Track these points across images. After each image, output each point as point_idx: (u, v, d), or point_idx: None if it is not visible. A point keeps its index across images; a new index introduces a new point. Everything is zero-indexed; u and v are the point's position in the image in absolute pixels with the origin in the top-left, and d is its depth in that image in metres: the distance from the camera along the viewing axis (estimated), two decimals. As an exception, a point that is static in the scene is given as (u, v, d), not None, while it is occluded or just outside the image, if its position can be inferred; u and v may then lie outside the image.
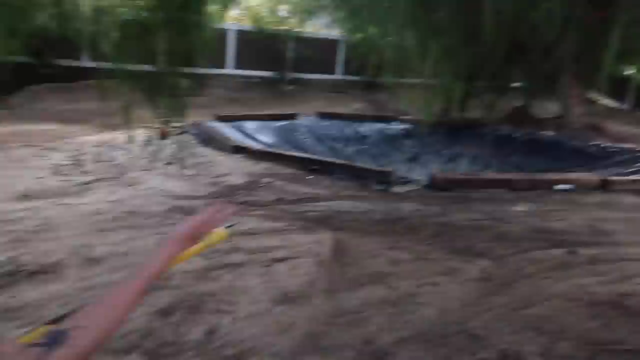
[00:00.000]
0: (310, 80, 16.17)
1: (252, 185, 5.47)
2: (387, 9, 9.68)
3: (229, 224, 1.73)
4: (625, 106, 18.30)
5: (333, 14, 11.81)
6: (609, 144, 10.13)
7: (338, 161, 6.63)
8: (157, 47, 12.61)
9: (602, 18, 10.77)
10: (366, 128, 11.37)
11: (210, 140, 7.41)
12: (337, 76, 17.22)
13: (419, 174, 10.66)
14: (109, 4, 11.07)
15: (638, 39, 11.43)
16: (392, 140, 11.29)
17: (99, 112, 10.18)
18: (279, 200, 4.99)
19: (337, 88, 16.25)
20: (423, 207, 5.08)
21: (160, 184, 5.35)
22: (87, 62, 12.35)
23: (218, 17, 14.81)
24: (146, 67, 13.10)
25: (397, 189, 5.65)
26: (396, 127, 11.62)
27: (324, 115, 11.27)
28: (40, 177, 5.33)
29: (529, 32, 11.05)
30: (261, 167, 6.18)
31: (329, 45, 16.46)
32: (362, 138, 11.06)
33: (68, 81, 12.23)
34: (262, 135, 9.53)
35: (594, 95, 15.50)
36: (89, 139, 7.77)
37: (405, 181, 5.92)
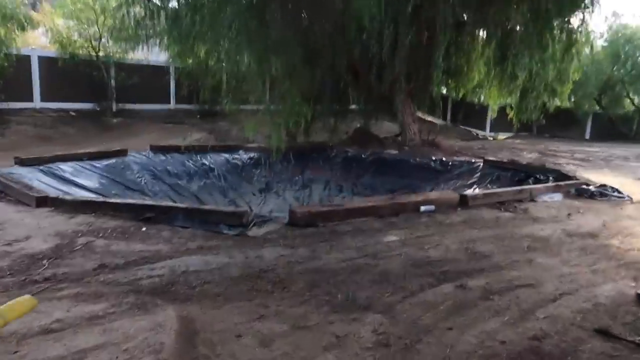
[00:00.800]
0: (139, 111, 14.54)
1: (62, 250, 4.06)
2: (219, 28, 8.84)
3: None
4: (447, 122, 20.15)
5: (159, 38, 10.62)
6: (446, 158, 10.59)
7: (178, 205, 5.47)
8: None
9: (427, 40, 11.42)
10: (210, 160, 10.29)
11: (5, 191, 5.65)
12: (171, 105, 15.84)
13: (275, 206, 10.01)
14: None
15: (457, 58, 12.44)
16: (240, 170, 10.40)
17: None
18: (101, 268, 3.71)
19: (172, 118, 14.88)
20: (288, 252, 4.24)
21: None
22: None
23: (9, 41, 12.46)
24: None
25: (254, 231, 4.74)
26: (242, 156, 10.76)
27: (160, 149, 9.91)
28: None
29: (361, 54, 11.25)
30: (77, 222, 4.75)
31: (158, 72, 15.05)
32: (206, 171, 9.96)
33: None
34: (83, 178, 7.88)
35: (422, 114, 16.66)
36: None
37: (262, 220, 5.03)
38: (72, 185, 7.48)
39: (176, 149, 10.16)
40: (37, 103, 12.64)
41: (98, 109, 13.60)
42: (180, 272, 3.69)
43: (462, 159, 10.69)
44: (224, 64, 10.66)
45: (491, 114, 18.90)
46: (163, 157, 9.66)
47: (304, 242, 4.50)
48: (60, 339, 2.69)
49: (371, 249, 4.37)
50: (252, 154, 10.98)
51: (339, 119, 13.10)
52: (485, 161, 10.06)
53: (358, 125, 13.62)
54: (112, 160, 8.77)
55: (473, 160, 10.40)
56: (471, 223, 5.30)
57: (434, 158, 10.64)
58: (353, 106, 15.41)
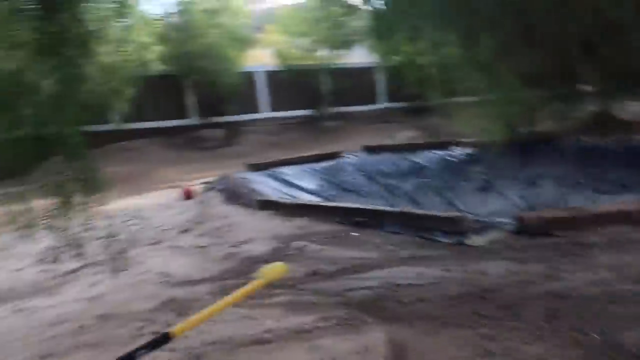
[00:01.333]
0: (351, 113, 14.99)
1: (278, 253, 4.14)
2: (420, 17, 8.32)
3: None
4: None
5: (364, 40, 10.70)
6: None
7: (389, 209, 5.16)
8: (185, 100, 11.83)
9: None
10: (423, 158, 9.85)
11: (235, 195, 6.22)
12: (381, 105, 15.93)
13: (497, 208, 9.05)
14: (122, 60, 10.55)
15: None
16: (455, 168, 9.69)
17: (124, 176, 9.41)
18: (313, 275, 3.61)
19: (383, 118, 14.94)
20: (517, 267, 3.52)
21: (162, 265, 4.14)
22: (108, 125, 11.79)
23: (239, 60, 14.09)
24: (174, 122, 12.28)
25: (475, 239, 4.11)
26: (457, 152, 10.03)
27: (373, 149, 9.91)
28: (19, 269, 4.28)
29: (595, 20, 9.32)
30: (293, 225, 4.85)
31: (366, 73, 15.29)
32: (420, 170, 9.55)
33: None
34: (303, 180, 8.28)
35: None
36: (104, 208, 6.80)
37: (483, 226, 4.36)
38: (294, 188, 7.92)
39: (388, 148, 10.02)
40: (264, 114, 14.10)
41: (315, 114, 14.46)
42: (391, 284, 3.34)
43: None
44: (429, 56, 10.13)
45: None
46: (375, 157, 9.61)
47: (538, 256, 3.69)
48: (269, 352, 2.60)
49: (634, 270, 3.33)
50: (467, 150, 10.16)
51: (568, 104, 11.25)
52: None
53: (595, 110, 11.48)
54: (329, 162, 9.06)
55: None
56: None
57: None
58: (586, 88, 13.16)
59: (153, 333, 2.75)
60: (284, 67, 14.04)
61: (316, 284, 3.42)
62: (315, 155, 9.28)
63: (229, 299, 2.11)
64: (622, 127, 10.35)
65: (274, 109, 14.27)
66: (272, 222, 4.97)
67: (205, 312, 1.96)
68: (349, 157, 9.48)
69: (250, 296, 2.35)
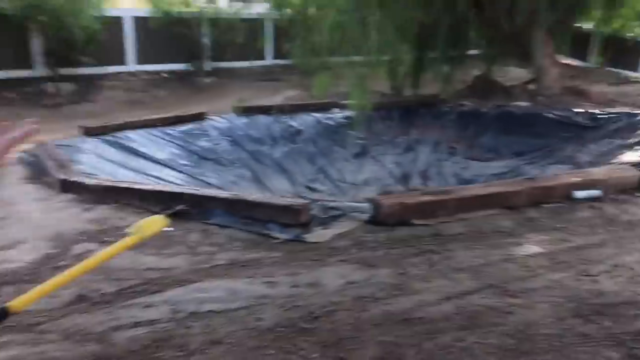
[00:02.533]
0: (234, 69, 13.55)
1: (46, 264, 2.97)
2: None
3: (169, 211, 2.22)
4: (588, 64, 16.54)
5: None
6: (597, 111, 8.09)
7: (216, 193, 4.10)
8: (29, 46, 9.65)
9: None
10: (300, 121, 8.93)
11: (42, 171, 4.83)
12: (268, 61, 14.64)
13: (371, 174, 8.46)
14: None
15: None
16: (333, 133, 8.91)
17: None
18: (77, 302, 2.52)
19: (269, 75, 13.72)
20: (363, 275, 2.73)
21: None
22: None
23: (100, 1, 12.02)
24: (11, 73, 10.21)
25: (318, 234, 3.27)
26: (337, 115, 9.24)
27: (245, 111, 8.77)
28: None
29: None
30: (91, 217, 3.66)
31: (254, 26, 13.83)
32: (294, 134, 8.63)
33: None
34: (152, 148, 6.99)
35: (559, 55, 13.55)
36: None
37: (334, 215, 3.53)
38: (141, 158, 6.63)
39: (263, 110, 8.95)
40: (130, 66, 12.23)
41: (192, 69, 12.87)
42: (184, 314, 2.38)
43: (618, 110, 8.11)
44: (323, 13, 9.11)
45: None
46: (246, 120, 8.51)
47: (390, 257, 2.94)
48: None
49: (498, 271, 2.69)
50: (347, 113, 9.41)
51: (454, 66, 10.91)
52: (656, 112, 7.45)
53: (478, 74, 11.29)
54: (189, 126, 7.81)
55: (634, 112, 7.80)
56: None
57: (578, 110, 8.20)
58: (473, 51, 13.01)
59: None
60: (157, 12, 12.16)
61: (73, 319, 2.34)
62: (174, 117, 7.95)
63: (89, 262, 1.85)
64: (502, 91, 10.24)
65: (143, 61, 12.40)
66: (65, 212, 3.75)
67: (57, 280, 1.74)
68: (215, 120, 8.28)
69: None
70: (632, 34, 14.53)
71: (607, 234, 3.14)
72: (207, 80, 12.68)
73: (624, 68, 16.45)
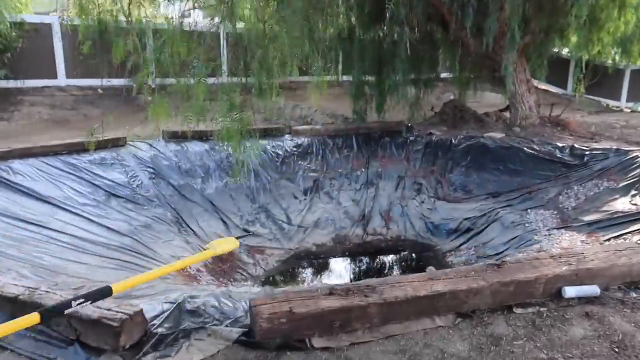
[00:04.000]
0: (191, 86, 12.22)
1: None
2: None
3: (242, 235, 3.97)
4: (566, 91, 15.81)
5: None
6: (579, 144, 7.06)
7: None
8: None
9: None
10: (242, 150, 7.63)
11: None
12: (223, 79, 13.36)
13: (323, 215, 7.19)
14: None
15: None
16: (281, 164, 7.68)
17: None
18: None
19: (224, 94, 12.41)
20: None
21: None
22: None
23: (20, 6, 10.63)
24: None
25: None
26: (287, 143, 8.01)
27: (177, 136, 7.46)
28: None
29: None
30: None
31: (207, 39, 12.59)
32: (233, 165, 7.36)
33: None
34: (45, 184, 5.59)
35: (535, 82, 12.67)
36: None
37: (183, 331, 2.19)
38: (23, 196, 5.23)
39: (198, 135, 7.65)
40: (60, 80, 10.80)
41: (133, 85, 11.52)
42: None
43: (604, 145, 7.10)
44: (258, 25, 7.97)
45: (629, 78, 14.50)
46: (176, 148, 7.19)
47: None
48: None
49: None
50: (301, 140, 8.20)
51: (422, 90, 9.88)
52: (648, 150, 6.44)
53: (451, 98, 10.27)
54: (101, 154, 6.44)
55: (623, 148, 6.80)
56: None
57: (560, 144, 7.16)
58: (445, 74, 12.04)
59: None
60: (87, 21, 10.82)
61: None
62: (80, 143, 6.52)
63: (174, 265, 2.65)
64: (474, 119, 9.21)
65: (75, 74, 11.01)
66: None
67: (149, 274, 2.36)
68: (137, 147, 6.94)
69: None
70: (611, 61, 13.85)
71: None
72: (150, 98, 11.35)
73: (604, 96, 15.70)
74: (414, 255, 6.74)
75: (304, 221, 6.89)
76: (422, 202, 7.25)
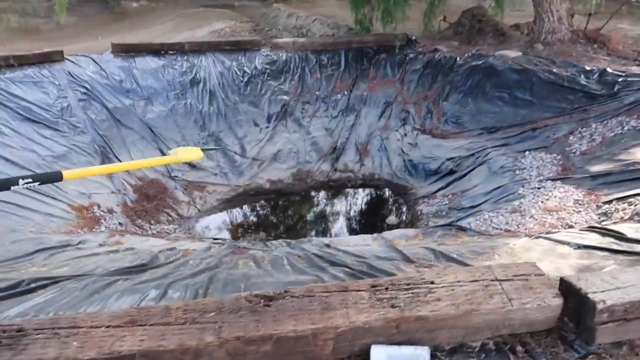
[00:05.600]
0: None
1: None
2: None
3: (208, 147, 3.17)
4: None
5: None
6: (613, 68, 5.48)
7: None
8: None
9: None
10: (206, 65, 6.63)
11: None
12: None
13: (285, 148, 6.17)
14: None
15: None
16: (247, 84, 6.60)
17: None
18: None
19: (220, 1, 11.19)
20: None
21: None
22: None
23: None
24: None
25: None
26: (260, 59, 6.87)
27: (128, 50, 6.49)
28: None
29: None
30: None
31: None
32: (191, 84, 6.36)
33: None
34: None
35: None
36: None
37: None
38: None
39: (154, 50, 6.64)
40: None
41: (120, -11, 10.44)
42: None
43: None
44: None
45: None
46: (122, 64, 6.23)
47: None
48: None
49: None
50: (279, 55, 7.02)
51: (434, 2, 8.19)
52: None
53: (469, 7, 8.51)
54: (27, 71, 5.61)
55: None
56: None
57: (588, 67, 5.62)
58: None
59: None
60: None
61: None
62: (14, 56, 5.72)
63: (131, 163, 3.16)
64: (494, 33, 7.56)
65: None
66: None
67: (102, 167, 2.92)
68: (76, 62, 6.05)
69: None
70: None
71: None
72: (135, 4, 10.28)
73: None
74: (382, 198, 5.71)
75: (260, 153, 5.95)
76: (405, 134, 6.07)
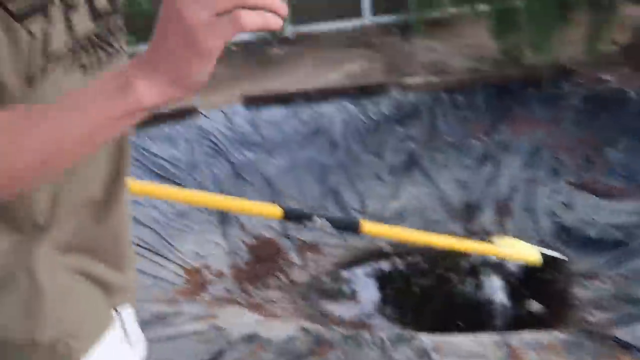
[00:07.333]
0: (319, 33, 11.18)
1: None
2: None
3: (549, 252, 2.13)
4: None
5: None
6: None
7: None
8: None
9: None
10: (329, 112, 6.42)
11: None
12: (365, 20, 11.85)
13: (410, 203, 5.55)
14: None
15: None
16: (370, 132, 6.19)
17: None
18: None
19: (361, 39, 11.03)
20: None
21: None
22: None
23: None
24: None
25: None
26: (388, 102, 6.44)
27: (253, 101, 6.59)
28: None
29: None
30: None
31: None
32: (311, 135, 6.17)
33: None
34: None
35: None
36: None
37: None
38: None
39: (282, 99, 6.64)
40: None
41: (263, 36, 10.94)
42: None
43: None
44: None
45: None
46: (251, 115, 6.31)
47: None
48: None
49: None
50: (408, 97, 6.51)
51: (600, 18, 6.91)
52: None
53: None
54: (170, 127, 5.95)
55: None
56: None
57: None
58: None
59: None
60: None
61: None
62: (153, 114, 6.17)
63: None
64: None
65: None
66: None
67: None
68: (207, 117, 6.29)
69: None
70: None
71: None
72: (278, 50, 10.63)
73: None
74: (527, 272, 4.70)
75: (383, 209, 5.42)
76: (557, 190, 5.00)
